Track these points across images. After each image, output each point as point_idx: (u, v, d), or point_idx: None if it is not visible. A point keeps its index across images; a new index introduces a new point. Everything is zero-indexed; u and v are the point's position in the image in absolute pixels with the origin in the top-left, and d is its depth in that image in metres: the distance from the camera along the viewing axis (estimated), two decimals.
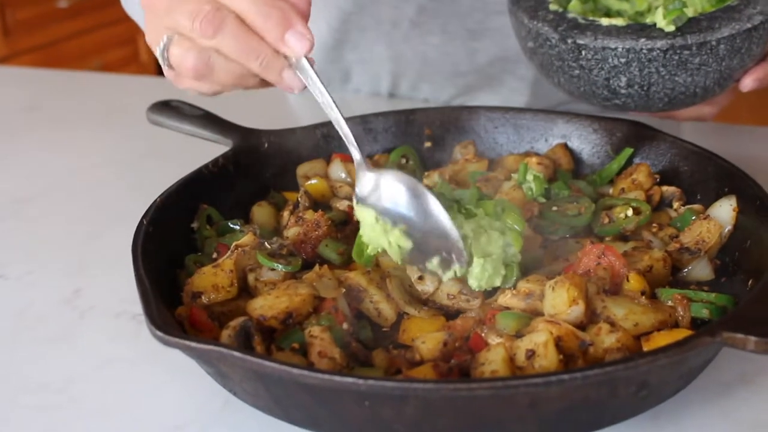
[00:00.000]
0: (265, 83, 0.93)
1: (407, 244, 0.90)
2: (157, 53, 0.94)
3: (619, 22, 1.05)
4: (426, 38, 1.52)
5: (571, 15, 1.08)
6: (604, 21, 1.05)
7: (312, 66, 0.89)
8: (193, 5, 0.86)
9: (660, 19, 1.03)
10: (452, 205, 0.91)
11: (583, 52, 1.04)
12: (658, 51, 1.02)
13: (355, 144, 0.92)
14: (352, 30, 1.56)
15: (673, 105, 1.09)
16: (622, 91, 1.06)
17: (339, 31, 1.58)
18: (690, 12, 1.05)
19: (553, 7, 1.11)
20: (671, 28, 1.02)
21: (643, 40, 1.02)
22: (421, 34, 1.51)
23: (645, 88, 1.05)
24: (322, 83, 0.89)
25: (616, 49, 1.03)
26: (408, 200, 0.90)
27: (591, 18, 1.07)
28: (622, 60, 1.03)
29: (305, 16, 0.88)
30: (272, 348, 0.82)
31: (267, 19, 0.85)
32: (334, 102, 0.90)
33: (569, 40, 1.05)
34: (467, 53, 1.52)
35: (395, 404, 0.70)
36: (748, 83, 1.10)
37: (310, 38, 0.86)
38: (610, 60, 1.04)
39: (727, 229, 0.97)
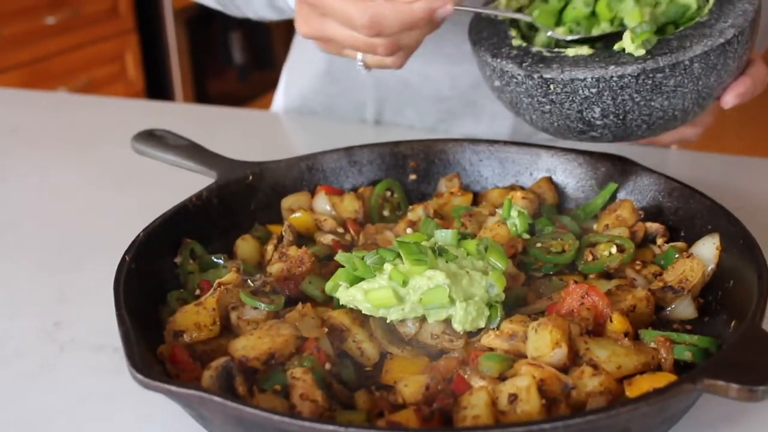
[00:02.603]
0: None
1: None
2: None
3: (584, 51, 1.02)
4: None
5: (535, 49, 1.05)
6: (570, 51, 1.02)
7: None
8: None
9: (628, 44, 0.99)
10: (426, 252, 0.90)
11: (552, 86, 1.01)
12: (630, 77, 0.98)
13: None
14: (334, 59, 1.57)
15: (652, 131, 1.06)
16: (598, 122, 1.03)
17: (325, 61, 1.58)
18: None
19: (516, 42, 1.08)
20: (641, 51, 0.98)
21: (612, 67, 0.98)
22: None
23: (621, 117, 1.02)
24: None
25: (585, 79, 0.99)
26: None
27: (556, 50, 1.04)
28: (593, 90, 1.00)
29: None
30: (254, 389, 0.81)
31: None
32: None
33: (536, 75, 1.02)
34: (448, 77, 1.53)
35: None
36: (729, 100, 1.05)
37: None
38: (580, 91, 1.00)
39: (710, 268, 0.97)
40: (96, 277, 1.08)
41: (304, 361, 0.83)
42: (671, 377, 0.80)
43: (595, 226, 1.10)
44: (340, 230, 1.10)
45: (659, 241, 1.06)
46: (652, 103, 1.01)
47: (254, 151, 1.23)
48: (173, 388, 0.73)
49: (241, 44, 4.77)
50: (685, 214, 1.06)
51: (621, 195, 1.13)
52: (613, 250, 1.01)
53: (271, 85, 1.82)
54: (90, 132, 1.69)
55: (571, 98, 1.01)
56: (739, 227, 0.97)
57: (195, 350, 0.87)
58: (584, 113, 1.02)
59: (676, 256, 1.00)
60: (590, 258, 1.02)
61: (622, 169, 1.14)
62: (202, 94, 4.55)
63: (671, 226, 1.07)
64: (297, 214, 1.11)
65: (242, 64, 4.80)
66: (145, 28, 4.30)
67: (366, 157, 1.20)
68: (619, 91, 0.99)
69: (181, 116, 1.85)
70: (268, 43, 4.93)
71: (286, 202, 1.14)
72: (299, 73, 1.69)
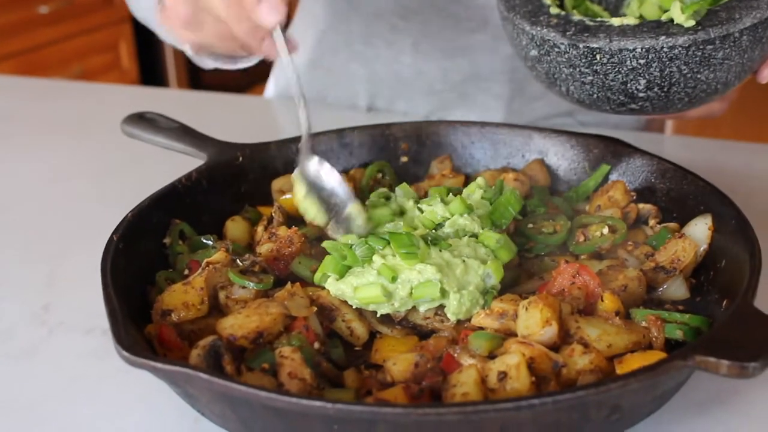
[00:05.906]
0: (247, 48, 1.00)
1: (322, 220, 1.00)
2: None
3: (630, 20, 0.98)
4: (399, 57, 1.52)
5: (576, 17, 1.01)
6: (615, 21, 0.98)
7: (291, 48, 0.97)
8: None
9: (678, 14, 0.96)
10: (418, 243, 0.89)
11: (598, 56, 0.97)
12: (680, 48, 0.95)
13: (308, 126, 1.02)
14: (325, 51, 1.56)
15: (692, 104, 1.03)
16: (641, 94, 1.00)
17: (314, 51, 1.57)
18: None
19: (554, 10, 1.03)
20: (691, 22, 0.95)
21: (663, 37, 0.95)
22: (393, 53, 1.51)
23: (665, 89, 0.99)
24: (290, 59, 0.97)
25: (634, 50, 0.95)
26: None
27: (599, 19, 1.00)
28: (642, 61, 0.96)
29: None
30: (242, 368, 0.81)
31: None
32: (298, 79, 0.99)
33: (581, 45, 0.98)
34: (440, 72, 1.52)
35: (364, 428, 0.69)
36: (766, 74, 1.03)
37: (281, 11, 0.92)
38: (627, 62, 0.97)
39: (702, 248, 0.97)
40: (85, 260, 1.07)
41: (293, 340, 0.83)
42: (662, 355, 0.80)
43: (587, 207, 1.10)
44: None
45: (651, 222, 1.05)
46: (698, 76, 0.98)
47: (246, 135, 1.22)
48: (159, 365, 0.72)
49: None
50: (677, 195, 1.05)
51: (613, 176, 1.12)
52: (605, 230, 1.01)
53: (266, 75, 1.81)
54: (81, 118, 1.68)
55: (617, 69, 0.98)
56: (731, 207, 0.96)
57: (183, 330, 0.86)
58: (628, 85, 0.99)
59: (669, 236, 0.99)
60: (582, 239, 1.01)
61: (614, 150, 1.13)
62: (196, 84, 4.53)
63: (664, 207, 1.06)
64: (287, 196, 1.10)
65: None
66: None
67: (357, 140, 1.19)
68: (667, 62, 0.96)
69: (173, 101, 1.84)
70: None
71: (277, 183, 1.13)
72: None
